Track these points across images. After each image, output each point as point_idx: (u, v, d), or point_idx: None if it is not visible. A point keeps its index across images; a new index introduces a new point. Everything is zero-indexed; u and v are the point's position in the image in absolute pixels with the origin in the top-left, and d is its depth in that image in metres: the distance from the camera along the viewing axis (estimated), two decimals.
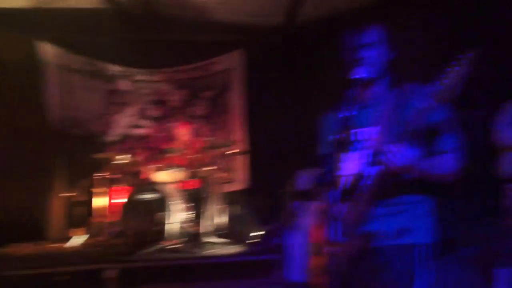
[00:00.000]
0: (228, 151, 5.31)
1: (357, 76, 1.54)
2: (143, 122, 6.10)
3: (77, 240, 4.42)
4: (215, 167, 5.21)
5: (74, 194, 4.89)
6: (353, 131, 1.65)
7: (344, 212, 1.58)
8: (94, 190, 4.73)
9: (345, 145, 1.67)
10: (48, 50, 5.74)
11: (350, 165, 1.63)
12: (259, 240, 4.13)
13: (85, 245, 4.48)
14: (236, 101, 6.22)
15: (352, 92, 1.55)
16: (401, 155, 1.37)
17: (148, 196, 4.35)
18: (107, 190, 5.08)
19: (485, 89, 3.98)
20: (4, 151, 5.06)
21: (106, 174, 4.83)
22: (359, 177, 1.56)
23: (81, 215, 4.91)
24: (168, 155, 4.40)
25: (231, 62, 6.24)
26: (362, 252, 1.52)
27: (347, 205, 1.58)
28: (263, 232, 4.19)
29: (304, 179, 3.98)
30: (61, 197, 5.16)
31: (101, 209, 4.67)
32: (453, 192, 4.19)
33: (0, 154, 5.01)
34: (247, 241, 4.29)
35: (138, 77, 6.16)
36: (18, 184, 5.14)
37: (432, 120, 1.43)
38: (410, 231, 1.54)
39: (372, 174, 1.54)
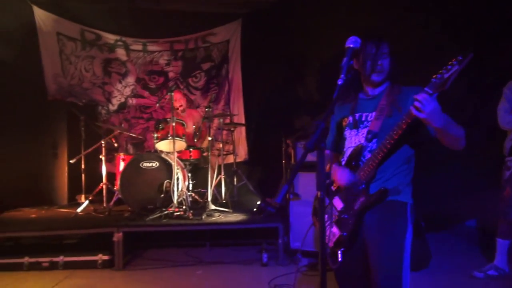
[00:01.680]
0: (227, 123, 5.47)
1: (352, 46, 1.75)
2: (143, 92, 6.16)
3: (84, 205, 4.58)
4: (214, 139, 5.38)
5: (80, 161, 4.99)
6: (357, 114, 1.97)
7: (353, 177, 1.90)
8: (99, 157, 4.85)
9: (349, 126, 2.00)
10: (45, 18, 5.69)
11: (353, 140, 1.97)
12: (261, 209, 4.34)
13: (92, 210, 4.66)
14: (235, 73, 6.30)
15: (349, 65, 1.73)
16: (428, 103, 1.58)
17: (150, 164, 4.51)
18: (111, 157, 5.23)
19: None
20: (8, 119, 5.11)
21: (110, 142, 4.94)
22: (361, 148, 1.89)
23: (87, 182, 5.07)
24: (167, 125, 4.52)
25: (229, 33, 6.27)
26: (371, 206, 1.84)
27: (355, 170, 1.91)
28: (265, 202, 4.40)
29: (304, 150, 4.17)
30: (67, 164, 5.26)
31: (106, 176, 4.82)
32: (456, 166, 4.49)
33: (2, 123, 5.06)
34: (249, 210, 4.51)
35: (135, 47, 6.16)
36: (25, 150, 5.25)
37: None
38: (401, 191, 1.88)
39: (372, 148, 1.87)
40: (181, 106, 5.28)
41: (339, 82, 1.61)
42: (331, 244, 1.90)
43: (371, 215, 1.85)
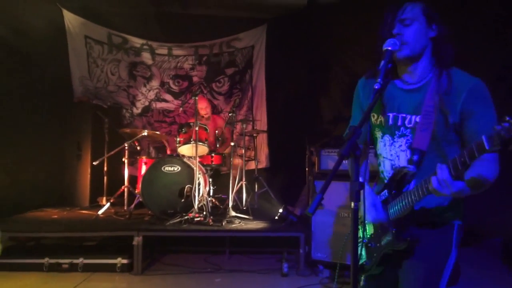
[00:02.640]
0: (249, 129, 5.42)
1: (391, 49, 1.45)
2: (166, 96, 6.18)
3: (105, 208, 4.58)
4: (236, 144, 5.34)
5: (103, 164, 5.01)
6: (391, 114, 1.60)
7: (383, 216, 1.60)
8: (122, 160, 4.86)
9: (380, 128, 1.65)
10: (74, 21, 5.79)
11: (388, 150, 1.64)
12: (283, 217, 4.25)
13: (112, 213, 4.65)
14: (258, 78, 6.26)
15: (387, 69, 1.43)
16: (446, 188, 1.29)
17: (172, 168, 4.47)
18: (134, 161, 5.24)
19: None
20: (34, 119, 5.20)
21: (133, 146, 4.95)
22: (405, 174, 1.53)
23: (109, 184, 5.08)
24: (190, 129, 4.50)
25: (254, 39, 6.24)
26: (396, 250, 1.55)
27: (394, 198, 1.57)
28: (287, 210, 4.31)
29: (329, 158, 4.07)
30: (90, 166, 5.29)
31: (128, 179, 4.81)
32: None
33: (28, 123, 5.14)
34: (270, 218, 4.42)
35: (160, 51, 6.20)
36: (48, 152, 5.33)
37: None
38: (448, 209, 1.55)
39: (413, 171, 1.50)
40: (206, 114, 5.28)
41: (376, 87, 1.45)
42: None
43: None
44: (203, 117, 5.30)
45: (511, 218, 3.89)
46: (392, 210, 1.57)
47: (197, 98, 4.40)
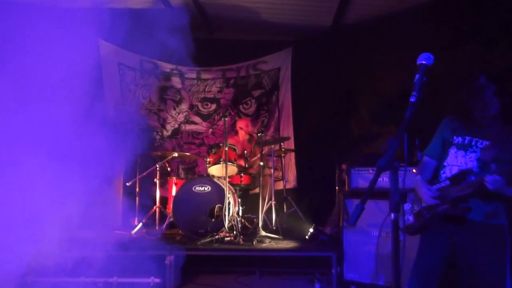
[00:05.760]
0: (277, 149, 5.46)
1: (425, 63, 1.71)
2: (195, 118, 6.33)
3: (138, 228, 4.67)
4: (265, 164, 5.38)
5: (135, 185, 5.14)
6: (467, 137, 2.23)
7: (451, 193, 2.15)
8: (153, 181, 4.98)
9: (457, 146, 2.26)
10: (107, 49, 6.06)
11: (459, 160, 2.24)
12: (313, 236, 4.22)
13: (144, 233, 4.74)
14: (285, 99, 6.33)
15: (422, 82, 1.73)
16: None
17: (203, 188, 4.54)
18: (163, 182, 5.35)
19: None
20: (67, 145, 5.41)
21: (163, 167, 5.06)
22: (471, 173, 2.10)
23: (141, 205, 5.19)
24: (220, 150, 4.58)
25: (280, 61, 6.35)
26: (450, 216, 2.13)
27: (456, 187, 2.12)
28: (317, 229, 4.28)
29: (359, 176, 4.04)
30: (122, 187, 5.43)
31: (160, 200, 4.91)
32: None
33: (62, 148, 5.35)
34: (300, 238, 4.40)
35: (189, 75, 6.39)
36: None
37: None
38: (500, 213, 2.10)
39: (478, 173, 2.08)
40: (248, 132, 5.39)
41: (412, 100, 1.56)
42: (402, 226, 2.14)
43: (470, 239, 2.09)
44: (233, 138, 5.37)
45: None
46: (453, 192, 2.13)
47: (226, 119, 4.50)
